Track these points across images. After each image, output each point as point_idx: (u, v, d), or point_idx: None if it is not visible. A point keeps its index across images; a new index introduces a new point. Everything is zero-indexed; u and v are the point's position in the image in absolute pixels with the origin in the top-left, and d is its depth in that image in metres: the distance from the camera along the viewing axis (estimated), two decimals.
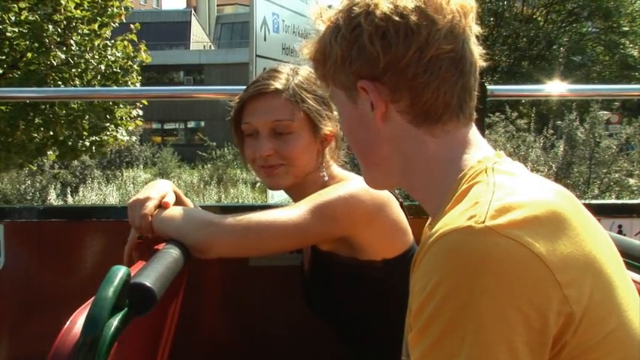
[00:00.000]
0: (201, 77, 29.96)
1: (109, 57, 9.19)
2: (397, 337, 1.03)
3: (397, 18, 0.87)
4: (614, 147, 9.77)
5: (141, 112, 10.16)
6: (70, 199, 11.65)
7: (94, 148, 9.48)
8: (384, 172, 0.99)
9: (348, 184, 1.37)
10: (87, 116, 8.99)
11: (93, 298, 0.88)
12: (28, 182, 12.43)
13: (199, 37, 38.32)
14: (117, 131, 9.77)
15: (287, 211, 1.34)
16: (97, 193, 12.00)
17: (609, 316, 0.77)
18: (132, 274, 0.95)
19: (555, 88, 2.39)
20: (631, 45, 20.55)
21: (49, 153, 9.57)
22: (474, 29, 0.92)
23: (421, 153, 0.92)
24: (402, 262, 1.33)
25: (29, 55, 8.51)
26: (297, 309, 1.71)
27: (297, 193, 1.48)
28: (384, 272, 1.37)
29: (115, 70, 9.15)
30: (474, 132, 0.94)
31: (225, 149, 16.05)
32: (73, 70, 8.63)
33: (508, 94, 2.38)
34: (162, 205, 1.36)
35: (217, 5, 44.69)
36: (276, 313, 1.79)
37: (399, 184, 1.06)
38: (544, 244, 0.74)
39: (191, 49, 35.08)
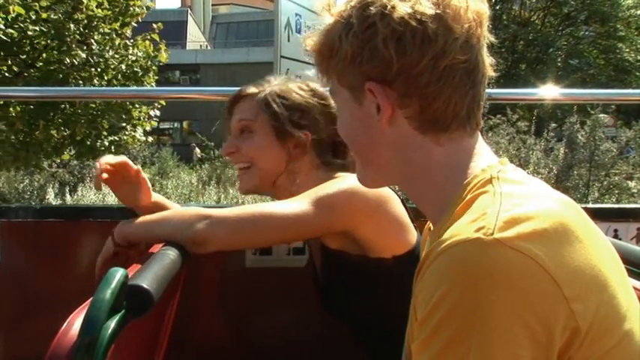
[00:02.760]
0: (197, 77, 29.93)
1: (130, 56, 9.13)
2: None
3: (415, 23, 0.84)
4: (615, 150, 9.81)
5: (158, 113, 10.08)
6: (68, 199, 11.60)
7: (112, 147, 9.42)
8: (381, 173, 0.97)
9: (348, 178, 1.37)
10: (107, 116, 8.95)
11: (90, 299, 0.87)
12: (26, 181, 12.36)
13: (195, 36, 38.30)
14: (135, 131, 9.73)
15: (285, 203, 1.35)
16: (95, 193, 11.94)
17: (614, 329, 0.77)
18: (129, 276, 0.95)
19: (551, 91, 2.40)
20: (627, 50, 20.65)
21: (65, 152, 9.55)
22: (486, 38, 0.91)
23: (424, 160, 0.90)
24: (412, 259, 1.34)
25: (49, 53, 8.43)
26: (294, 310, 1.71)
27: (275, 198, 1.51)
28: (395, 269, 1.36)
29: (135, 69, 9.10)
30: (479, 140, 0.93)
31: None
32: (93, 69, 8.57)
33: (505, 98, 2.38)
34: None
35: (212, 5, 44.67)
36: (273, 315, 1.79)
37: (394, 184, 1.04)
38: (552, 257, 0.73)
39: (187, 48, 35.07)
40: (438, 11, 0.85)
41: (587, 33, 21.98)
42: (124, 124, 9.39)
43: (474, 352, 0.70)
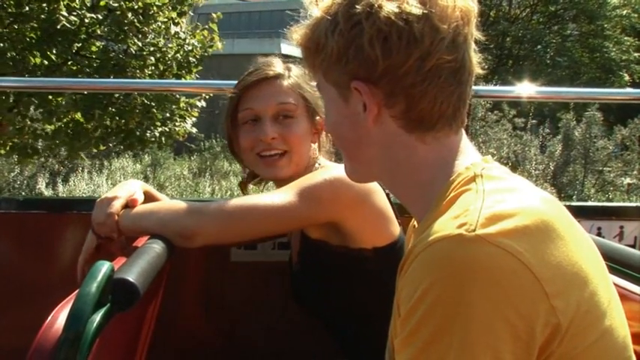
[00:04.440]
0: None
1: (186, 46, 8.96)
2: (385, 332, 1.03)
3: (401, 23, 0.83)
4: (611, 147, 9.98)
5: (205, 104, 9.84)
6: (60, 189, 11.46)
7: (163, 138, 9.25)
8: (367, 169, 0.98)
9: (335, 169, 1.36)
10: (162, 106, 8.76)
11: (75, 292, 0.87)
12: (17, 171, 12.18)
13: None
14: (185, 122, 9.57)
15: (272, 195, 1.34)
16: (87, 183, 11.81)
17: (594, 325, 0.78)
18: (115, 270, 0.94)
19: (529, 89, 2.41)
20: (614, 49, 20.84)
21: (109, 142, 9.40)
22: (474, 36, 0.90)
23: (410, 158, 0.91)
24: (392, 253, 1.34)
25: (93, 43, 8.27)
26: (278, 305, 1.71)
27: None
28: (375, 262, 1.36)
29: (190, 59, 8.93)
30: (463, 138, 0.93)
31: (214, 141, 15.86)
32: (148, 59, 8.39)
33: (488, 95, 2.39)
34: (129, 205, 1.35)
35: None
36: (256, 309, 1.79)
37: (379, 180, 1.04)
38: (534, 254, 0.74)
39: None
40: (424, 11, 0.84)
41: (573, 32, 22.14)
42: (167, 114, 9.21)
43: (456, 346, 0.71)
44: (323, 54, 0.90)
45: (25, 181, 12.04)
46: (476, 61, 0.91)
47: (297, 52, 0.99)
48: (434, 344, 0.72)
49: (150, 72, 8.43)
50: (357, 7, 0.85)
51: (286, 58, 1.54)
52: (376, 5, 0.84)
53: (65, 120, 8.52)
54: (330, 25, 0.88)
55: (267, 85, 1.46)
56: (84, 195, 10.86)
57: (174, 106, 9.11)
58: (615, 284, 0.90)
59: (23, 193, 11.14)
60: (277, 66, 1.49)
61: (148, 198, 1.43)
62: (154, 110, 8.70)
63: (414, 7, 0.84)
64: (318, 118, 1.49)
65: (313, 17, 0.92)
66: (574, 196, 9.84)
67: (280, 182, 1.47)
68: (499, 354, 0.71)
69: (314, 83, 1.46)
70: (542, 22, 22.03)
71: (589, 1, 20.79)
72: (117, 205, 1.33)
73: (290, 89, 1.46)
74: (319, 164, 1.50)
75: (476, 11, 0.90)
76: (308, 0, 0.93)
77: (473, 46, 0.91)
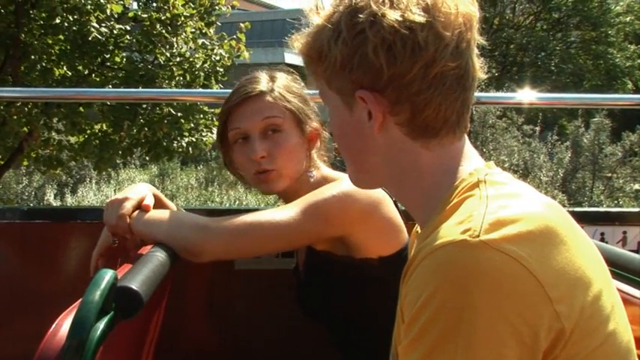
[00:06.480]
0: None
1: (214, 56, 8.91)
2: (390, 340, 1.02)
3: (405, 31, 0.83)
4: (619, 154, 9.99)
5: None
6: (68, 200, 11.47)
7: (190, 148, 9.24)
8: (371, 176, 0.98)
9: (342, 183, 1.35)
10: (190, 117, 8.69)
11: (79, 301, 0.87)
12: (25, 182, 12.20)
13: None
14: (212, 132, 9.53)
15: (280, 211, 1.34)
16: (95, 193, 11.84)
17: (598, 329, 0.78)
18: (119, 278, 0.95)
19: (529, 95, 2.43)
20: (618, 55, 20.82)
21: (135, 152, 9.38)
22: (476, 41, 0.90)
23: (414, 164, 0.91)
24: (398, 261, 1.33)
25: (118, 55, 8.29)
26: (282, 313, 1.71)
27: (289, 196, 1.47)
28: (380, 271, 1.36)
29: (218, 68, 8.85)
30: (466, 144, 0.94)
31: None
32: (175, 68, 8.35)
33: (493, 102, 2.40)
34: (141, 208, 1.35)
35: None
36: (261, 317, 1.79)
37: (384, 186, 1.04)
38: (537, 259, 0.74)
39: None
40: (428, 18, 0.84)
41: (577, 39, 22.12)
42: (192, 125, 9.22)
43: (460, 352, 0.71)
44: (326, 62, 0.90)
45: (34, 192, 12.07)
46: (479, 66, 0.91)
47: (301, 61, 0.99)
48: (438, 350, 0.72)
49: (175, 82, 8.42)
50: (360, 15, 0.85)
51: (289, 67, 1.54)
52: (379, 14, 0.84)
53: (91, 131, 8.51)
54: (333, 34, 0.88)
55: (251, 103, 1.45)
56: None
57: (199, 116, 9.08)
58: (618, 289, 0.90)
59: (31, 204, 11.17)
60: (261, 82, 1.47)
61: (157, 202, 1.44)
62: (182, 121, 8.67)
63: (418, 15, 0.84)
64: (310, 126, 1.48)
65: (315, 25, 0.91)
66: (583, 203, 9.86)
67: (288, 197, 1.47)
68: (503, 359, 0.71)
69: (299, 90, 1.48)
70: (545, 30, 22.01)
71: (592, 8, 20.78)
72: (128, 207, 1.33)
73: (274, 103, 1.44)
74: (322, 175, 1.49)
75: (478, 16, 0.90)
76: (308, 8, 0.93)
77: (475, 51, 0.91)
